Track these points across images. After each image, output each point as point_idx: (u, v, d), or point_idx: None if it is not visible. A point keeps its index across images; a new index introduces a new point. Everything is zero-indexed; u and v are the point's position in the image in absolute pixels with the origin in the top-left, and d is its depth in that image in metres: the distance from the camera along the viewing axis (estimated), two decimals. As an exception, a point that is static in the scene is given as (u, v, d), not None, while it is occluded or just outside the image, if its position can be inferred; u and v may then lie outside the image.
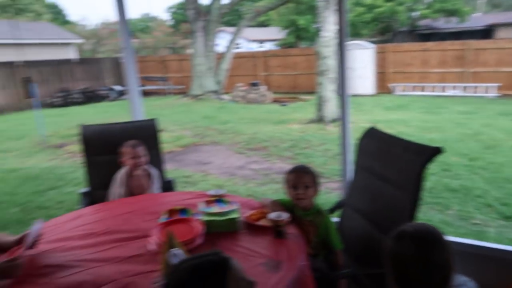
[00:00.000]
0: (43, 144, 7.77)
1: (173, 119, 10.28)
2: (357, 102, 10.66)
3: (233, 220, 1.93)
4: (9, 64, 13.80)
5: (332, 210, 2.49)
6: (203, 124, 9.50)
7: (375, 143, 2.19)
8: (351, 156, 3.07)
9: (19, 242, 1.74)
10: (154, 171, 2.77)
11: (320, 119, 8.71)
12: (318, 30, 8.98)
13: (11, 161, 6.79)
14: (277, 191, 4.80)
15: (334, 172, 5.39)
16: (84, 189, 2.86)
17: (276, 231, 1.84)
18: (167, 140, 7.97)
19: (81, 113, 12.19)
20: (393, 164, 1.98)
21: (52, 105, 14.04)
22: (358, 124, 8.17)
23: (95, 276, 1.55)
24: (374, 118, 8.97)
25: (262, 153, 6.73)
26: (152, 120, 3.10)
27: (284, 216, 1.88)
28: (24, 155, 7.19)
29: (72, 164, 6.29)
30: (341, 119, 2.91)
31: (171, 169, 5.94)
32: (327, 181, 5.13)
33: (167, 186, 2.98)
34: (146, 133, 3.01)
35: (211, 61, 14.30)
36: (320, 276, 1.89)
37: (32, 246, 1.73)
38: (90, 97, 15.23)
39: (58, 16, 33.10)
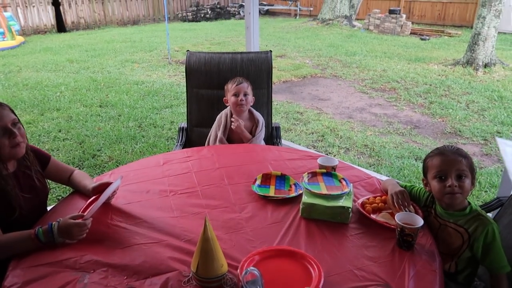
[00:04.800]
0: (169, 58, 7.98)
1: (296, 45, 9.61)
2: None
3: (342, 209, 1.44)
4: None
5: (488, 209, 1.81)
6: (327, 53, 8.67)
7: None
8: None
9: (96, 189, 1.54)
10: (260, 117, 2.35)
11: (469, 62, 7.17)
12: None
13: (139, 72, 7.11)
14: (400, 145, 4.07)
15: (475, 132, 4.36)
16: (183, 123, 2.62)
17: (402, 239, 1.30)
18: (285, 67, 7.49)
19: (208, 29, 12.23)
20: None
21: (183, 19, 14.42)
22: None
23: (145, 257, 1.26)
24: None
25: (388, 96, 5.83)
26: (266, 53, 2.63)
27: (418, 221, 1.32)
28: (151, 68, 7.48)
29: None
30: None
31: (284, 101, 5.55)
32: (466, 142, 4.18)
33: (273, 133, 2.58)
34: (257, 68, 2.58)
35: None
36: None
37: (108, 200, 1.54)
38: (220, 13, 15.19)
39: None
